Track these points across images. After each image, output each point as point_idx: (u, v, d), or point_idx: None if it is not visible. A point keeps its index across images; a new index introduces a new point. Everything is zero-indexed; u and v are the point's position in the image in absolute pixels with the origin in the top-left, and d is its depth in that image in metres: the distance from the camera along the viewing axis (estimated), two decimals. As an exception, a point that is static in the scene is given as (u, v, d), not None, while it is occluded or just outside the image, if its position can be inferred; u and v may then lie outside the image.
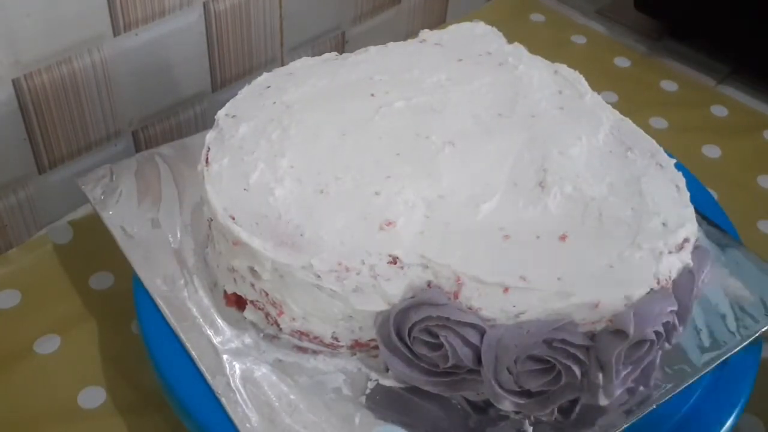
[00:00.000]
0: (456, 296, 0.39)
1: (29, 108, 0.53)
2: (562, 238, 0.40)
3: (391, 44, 0.53)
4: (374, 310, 0.41)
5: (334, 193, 0.42)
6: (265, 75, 0.50)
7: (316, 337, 0.43)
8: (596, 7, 0.83)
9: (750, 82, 0.74)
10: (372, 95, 0.48)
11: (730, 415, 0.43)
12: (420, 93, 0.49)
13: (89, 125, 0.58)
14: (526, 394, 0.39)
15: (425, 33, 0.54)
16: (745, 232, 0.53)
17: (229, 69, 0.65)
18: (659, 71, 0.75)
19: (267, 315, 0.43)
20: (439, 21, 0.81)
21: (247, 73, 0.66)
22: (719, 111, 0.71)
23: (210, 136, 0.46)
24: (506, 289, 0.38)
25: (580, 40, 0.78)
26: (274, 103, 0.47)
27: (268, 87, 0.49)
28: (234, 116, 0.47)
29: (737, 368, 0.45)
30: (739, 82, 0.74)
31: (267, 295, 0.42)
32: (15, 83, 0.52)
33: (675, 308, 0.39)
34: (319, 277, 0.40)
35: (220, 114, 0.47)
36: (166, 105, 0.62)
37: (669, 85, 0.74)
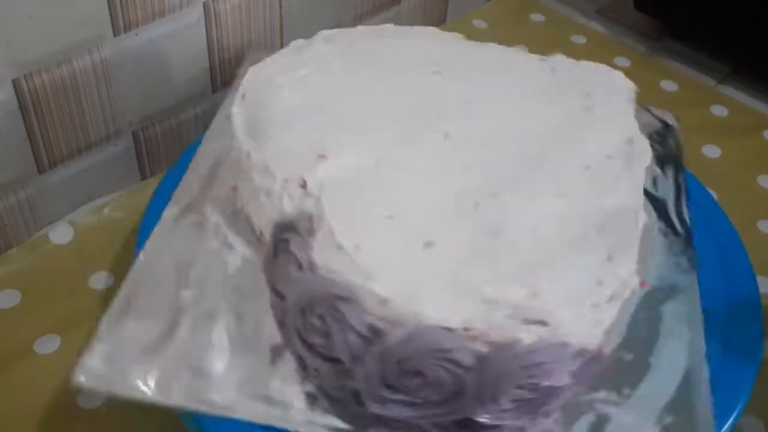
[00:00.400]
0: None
1: (29, 108, 0.53)
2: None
3: (511, 50, 0.52)
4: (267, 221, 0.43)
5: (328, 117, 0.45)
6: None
7: None
8: (596, 7, 0.83)
9: (750, 82, 0.74)
10: (435, 73, 0.49)
11: (730, 415, 0.43)
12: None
13: (89, 125, 0.58)
14: (402, 402, 0.38)
15: (557, 59, 0.52)
16: (745, 232, 0.53)
17: (230, 69, 0.65)
18: (659, 71, 0.75)
19: None
20: (439, 21, 0.81)
21: (247, 73, 0.66)
22: (719, 111, 0.71)
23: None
24: None
25: (579, 40, 0.78)
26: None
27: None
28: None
29: (737, 368, 0.45)
30: (740, 82, 0.74)
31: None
32: (15, 83, 0.52)
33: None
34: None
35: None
36: (166, 105, 0.62)
37: (669, 85, 0.74)
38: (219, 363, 0.42)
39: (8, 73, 0.51)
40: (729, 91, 0.73)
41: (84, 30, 0.53)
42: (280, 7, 0.65)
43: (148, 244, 0.46)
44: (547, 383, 0.37)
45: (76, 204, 0.59)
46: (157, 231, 0.47)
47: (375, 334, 0.37)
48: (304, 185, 0.42)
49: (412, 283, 0.37)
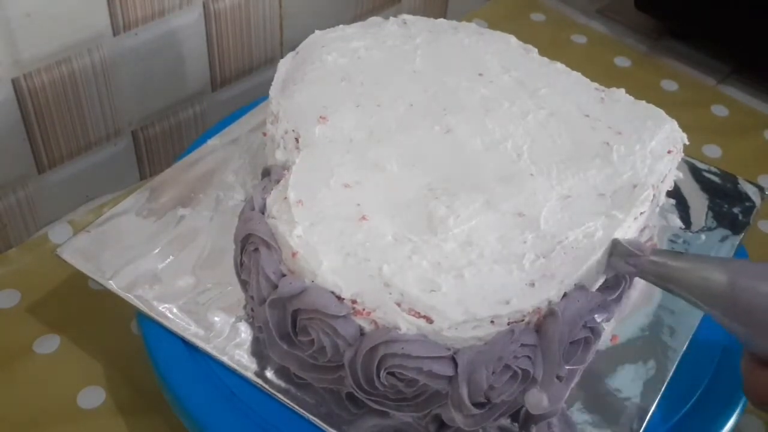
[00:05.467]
0: None
1: (29, 108, 0.53)
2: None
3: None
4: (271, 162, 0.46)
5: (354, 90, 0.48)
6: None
7: None
8: (597, 7, 0.83)
9: (750, 82, 0.74)
10: (477, 74, 0.50)
11: (730, 415, 0.43)
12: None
13: (89, 125, 0.58)
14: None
15: (614, 92, 0.50)
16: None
17: (229, 68, 0.65)
18: (660, 71, 0.75)
19: None
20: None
21: (246, 72, 0.66)
22: (720, 111, 0.71)
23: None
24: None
25: (580, 39, 0.78)
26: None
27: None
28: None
29: (737, 368, 0.44)
30: (740, 81, 0.74)
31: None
32: (15, 83, 0.52)
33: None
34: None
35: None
36: (166, 105, 0.62)
37: (669, 85, 0.74)
38: (180, 280, 0.45)
39: (8, 72, 0.51)
40: (729, 90, 0.73)
41: (83, 29, 0.53)
42: (280, 7, 0.65)
43: (192, 156, 0.52)
44: (417, 377, 0.37)
45: (76, 204, 0.59)
46: (203, 148, 0.52)
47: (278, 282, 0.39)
48: (298, 139, 0.45)
49: (330, 247, 0.39)
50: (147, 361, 0.44)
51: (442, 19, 0.55)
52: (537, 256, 0.39)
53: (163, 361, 0.43)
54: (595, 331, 0.39)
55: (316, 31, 0.52)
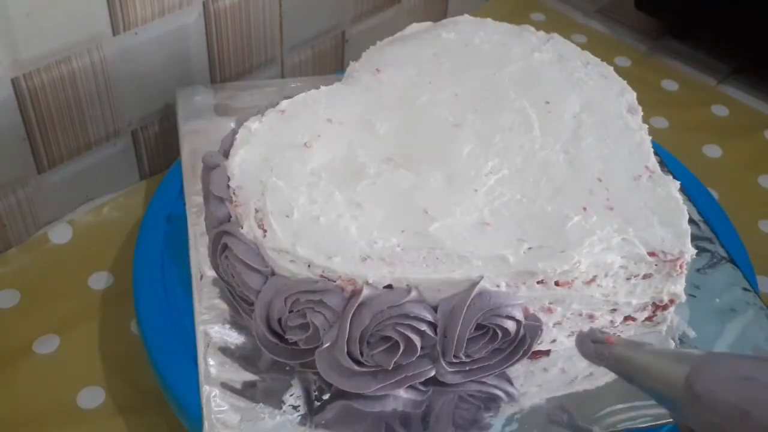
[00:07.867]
0: None
1: (28, 107, 0.53)
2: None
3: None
4: None
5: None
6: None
7: None
8: (597, 7, 0.83)
9: (751, 82, 0.74)
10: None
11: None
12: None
13: (88, 125, 0.58)
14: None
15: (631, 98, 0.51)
16: (745, 232, 0.53)
17: (229, 68, 0.65)
18: (660, 71, 0.75)
19: None
20: (438, 20, 0.81)
21: (246, 72, 0.66)
22: (720, 111, 0.71)
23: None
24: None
25: (580, 39, 0.78)
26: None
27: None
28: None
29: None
30: (740, 81, 0.74)
31: None
32: (14, 83, 0.52)
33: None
34: None
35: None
36: (166, 105, 0.62)
37: (670, 85, 0.74)
38: None
39: (7, 72, 0.51)
40: (730, 90, 0.73)
41: (83, 29, 0.53)
42: (280, 6, 0.65)
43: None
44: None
45: (75, 204, 0.59)
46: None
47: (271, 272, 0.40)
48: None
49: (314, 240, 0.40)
50: (147, 361, 0.44)
51: (501, 23, 0.58)
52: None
53: (162, 361, 0.43)
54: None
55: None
